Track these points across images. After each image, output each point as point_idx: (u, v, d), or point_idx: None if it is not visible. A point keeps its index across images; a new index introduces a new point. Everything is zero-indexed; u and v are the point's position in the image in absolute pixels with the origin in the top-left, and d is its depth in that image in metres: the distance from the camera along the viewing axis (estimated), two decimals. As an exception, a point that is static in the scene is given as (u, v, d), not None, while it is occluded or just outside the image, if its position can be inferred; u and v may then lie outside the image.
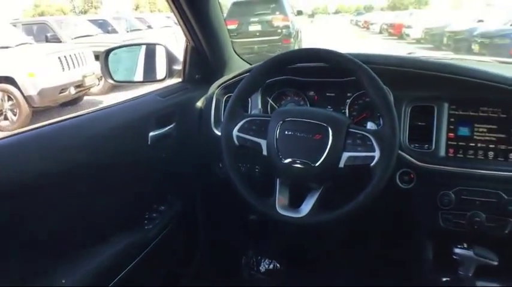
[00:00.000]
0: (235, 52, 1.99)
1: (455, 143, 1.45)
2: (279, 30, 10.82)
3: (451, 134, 1.46)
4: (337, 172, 1.26)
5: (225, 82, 1.73)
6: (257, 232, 2.14)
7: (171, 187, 1.77)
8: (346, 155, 1.24)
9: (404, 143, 1.47)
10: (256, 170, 1.63)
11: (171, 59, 1.80)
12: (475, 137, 1.44)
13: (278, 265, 2.20)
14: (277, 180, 1.34)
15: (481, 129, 1.43)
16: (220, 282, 2.03)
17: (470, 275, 1.41)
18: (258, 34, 10.82)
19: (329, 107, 1.63)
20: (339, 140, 1.25)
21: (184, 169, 1.80)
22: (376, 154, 1.21)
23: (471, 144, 1.44)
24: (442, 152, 1.45)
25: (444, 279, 1.55)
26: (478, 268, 1.42)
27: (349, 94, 1.60)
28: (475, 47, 11.09)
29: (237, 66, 1.92)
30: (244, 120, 1.38)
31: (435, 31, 15.51)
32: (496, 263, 1.40)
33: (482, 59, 2.32)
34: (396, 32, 20.00)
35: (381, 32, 23.79)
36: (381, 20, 25.64)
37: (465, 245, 1.43)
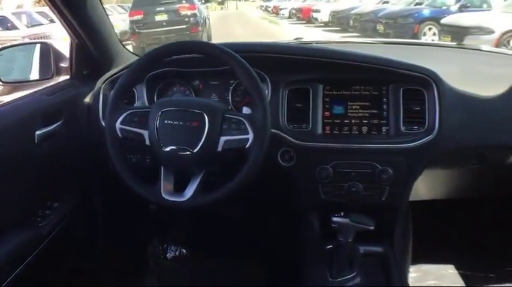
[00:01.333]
0: (123, 45, 1.99)
1: (330, 121, 1.56)
2: (186, 19, 10.75)
3: (327, 113, 1.56)
4: (216, 156, 1.32)
5: (111, 76, 1.73)
6: (160, 220, 2.17)
7: (65, 183, 1.75)
8: (223, 139, 1.30)
9: (284, 124, 1.55)
10: (147, 160, 1.66)
11: (58, 56, 1.80)
12: (349, 114, 1.55)
13: (184, 251, 2.26)
14: (161, 167, 1.38)
15: (354, 107, 1.55)
16: (126, 272, 2.05)
17: (350, 240, 1.50)
18: (165, 24, 10.68)
19: (214, 95, 1.69)
20: (215, 126, 1.30)
21: (76, 163, 1.78)
22: (250, 136, 1.28)
23: (346, 121, 1.55)
24: (319, 130, 1.55)
25: (328, 247, 1.66)
26: (358, 234, 1.50)
27: (231, 81, 1.66)
28: (380, 28, 11.61)
29: (126, 60, 1.92)
30: (126, 113, 1.39)
31: (342, 14, 16.01)
32: (372, 227, 1.49)
33: (367, 40, 2.48)
34: (305, 16, 20.36)
35: (290, 17, 24.09)
36: (290, 5, 26.02)
37: (342, 214, 1.52)
